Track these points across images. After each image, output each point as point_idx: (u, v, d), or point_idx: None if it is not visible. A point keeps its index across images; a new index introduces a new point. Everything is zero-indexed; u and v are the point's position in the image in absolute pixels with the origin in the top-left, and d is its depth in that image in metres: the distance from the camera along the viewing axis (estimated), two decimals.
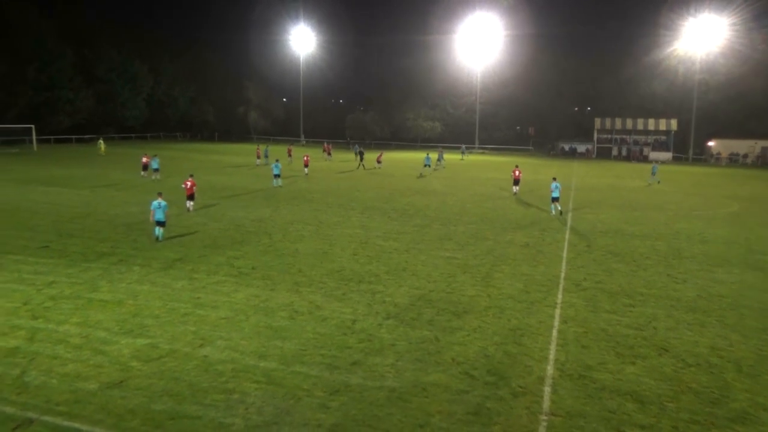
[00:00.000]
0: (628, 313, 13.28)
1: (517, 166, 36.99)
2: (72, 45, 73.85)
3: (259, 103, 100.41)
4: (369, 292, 14.34)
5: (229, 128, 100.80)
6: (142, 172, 38.71)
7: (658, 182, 43.99)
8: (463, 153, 71.06)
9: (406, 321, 12.32)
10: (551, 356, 10.70)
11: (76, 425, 8.04)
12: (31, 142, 63.41)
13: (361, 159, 50.98)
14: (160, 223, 19.32)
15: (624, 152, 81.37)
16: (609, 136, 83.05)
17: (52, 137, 70.38)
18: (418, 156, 65.14)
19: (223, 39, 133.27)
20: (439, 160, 55.70)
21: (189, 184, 25.23)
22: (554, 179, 28.10)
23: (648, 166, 59.34)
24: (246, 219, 23.88)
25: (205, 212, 25.21)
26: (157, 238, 19.36)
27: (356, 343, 11.09)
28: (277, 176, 34.53)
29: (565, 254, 19.06)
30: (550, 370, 10.12)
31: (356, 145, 63.64)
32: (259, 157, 51.56)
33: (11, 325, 11.58)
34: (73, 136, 74.28)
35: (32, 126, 63.11)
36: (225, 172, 43.52)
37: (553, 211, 27.19)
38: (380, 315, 12.67)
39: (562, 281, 15.77)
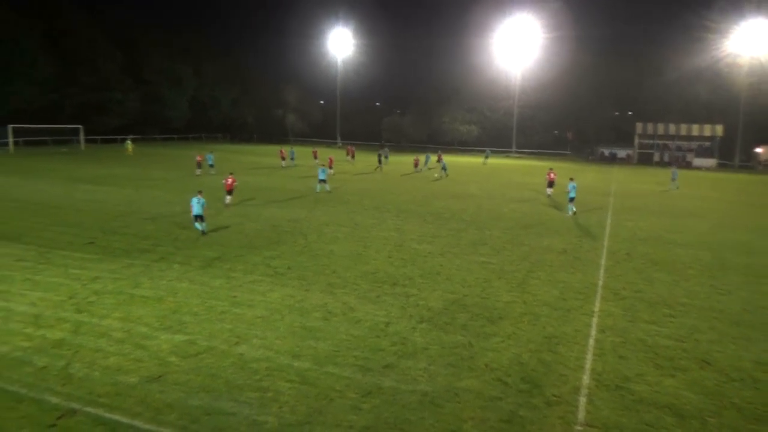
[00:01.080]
0: (669, 323, 12.89)
1: (551, 169, 36.51)
2: (121, 48, 76.24)
3: (296, 106, 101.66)
4: (403, 295, 14.32)
5: (268, 130, 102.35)
6: (197, 170, 41.46)
7: (677, 188, 42.86)
8: (486, 156, 69.28)
9: (439, 325, 12.26)
10: (587, 366, 10.47)
11: (117, 417, 8.27)
12: (79, 141, 65.76)
13: (380, 162, 50.52)
14: (199, 217, 20.27)
15: (666, 158, 79.10)
16: (651, 141, 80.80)
17: (99, 137, 72.75)
18: (455, 160, 64.84)
19: (264, 42, 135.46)
20: (426, 162, 53.60)
21: (230, 181, 26.98)
22: (571, 179, 28.87)
23: (689, 173, 57.64)
24: (282, 219, 24.17)
25: (242, 212, 25.62)
26: (203, 232, 20.40)
27: (389, 345, 11.09)
28: (322, 181, 33.71)
29: (603, 262, 18.64)
30: (585, 379, 9.91)
31: (385, 149, 62.80)
32: (284, 159, 51.70)
33: (57, 318, 12.01)
34: (119, 137, 76.57)
35: (80, 126, 65.46)
36: (262, 173, 44.17)
37: (570, 212, 27.81)
38: (414, 318, 12.64)
39: (599, 289, 15.43)
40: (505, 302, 14.02)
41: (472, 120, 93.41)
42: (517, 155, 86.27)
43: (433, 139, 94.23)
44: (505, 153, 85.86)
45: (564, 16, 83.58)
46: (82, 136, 65.74)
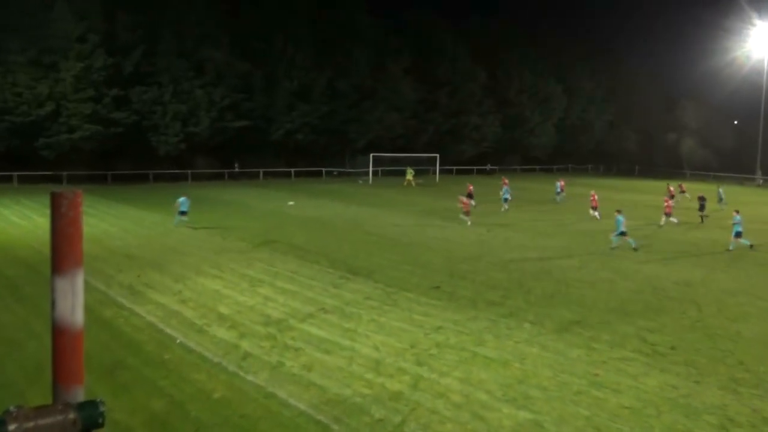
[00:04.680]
0: None
1: None
2: (483, 65, 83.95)
3: (697, 129, 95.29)
4: None
5: (654, 160, 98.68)
6: (471, 202, 42.86)
7: None
8: None
9: None
10: None
11: None
12: (434, 172, 74.79)
13: (702, 210, 40.29)
14: (183, 213, 31.65)
15: None
16: None
17: (454, 168, 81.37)
18: None
19: (652, 50, 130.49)
20: (719, 200, 48.37)
21: (593, 196, 39.31)
22: (736, 212, 30.40)
23: None
24: (667, 280, 22.89)
25: (614, 265, 25.17)
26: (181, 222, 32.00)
27: None
28: (738, 234, 29.84)
29: None
30: None
31: (720, 189, 51.31)
32: (673, 197, 45.04)
33: (397, 368, 13.75)
34: (474, 167, 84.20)
35: (437, 155, 74.47)
36: (645, 212, 42.37)
37: (731, 247, 29.47)
38: None
39: None
40: None
41: None
42: None
43: None
44: None
45: None
46: (437, 167, 74.62)
